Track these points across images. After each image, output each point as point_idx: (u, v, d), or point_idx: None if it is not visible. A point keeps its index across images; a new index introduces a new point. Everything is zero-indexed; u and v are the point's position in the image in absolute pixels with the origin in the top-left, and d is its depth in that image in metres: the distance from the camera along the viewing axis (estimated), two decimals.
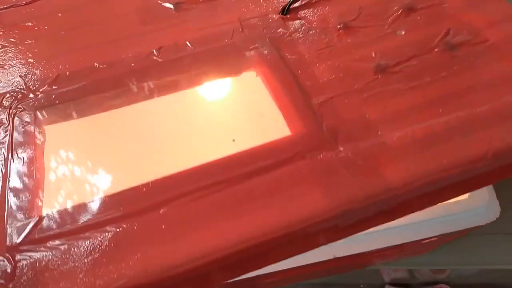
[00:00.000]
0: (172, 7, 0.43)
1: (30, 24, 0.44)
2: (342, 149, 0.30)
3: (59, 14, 0.45)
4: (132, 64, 0.38)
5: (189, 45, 0.39)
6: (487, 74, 0.33)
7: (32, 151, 0.33)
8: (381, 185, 0.28)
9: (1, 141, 0.33)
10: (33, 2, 0.47)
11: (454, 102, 0.32)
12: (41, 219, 0.28)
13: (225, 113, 0.35)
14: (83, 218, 0.28)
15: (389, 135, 0.30)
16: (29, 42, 0.42)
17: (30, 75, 0.39)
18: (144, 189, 0.29)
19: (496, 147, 0.29)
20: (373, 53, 0.36)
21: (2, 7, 0.47)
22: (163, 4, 0.44)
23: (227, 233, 0.26)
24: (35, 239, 0.28)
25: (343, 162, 0.29)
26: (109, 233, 0.27)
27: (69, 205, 0.29)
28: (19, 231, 0.28)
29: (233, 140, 0.32)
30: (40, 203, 0.30)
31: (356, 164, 0.29)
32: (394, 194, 0.27)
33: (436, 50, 0.36)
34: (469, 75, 0.33)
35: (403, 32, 0.38)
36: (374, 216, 0.28)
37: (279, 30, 0.39)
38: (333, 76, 0.35)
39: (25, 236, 0.28)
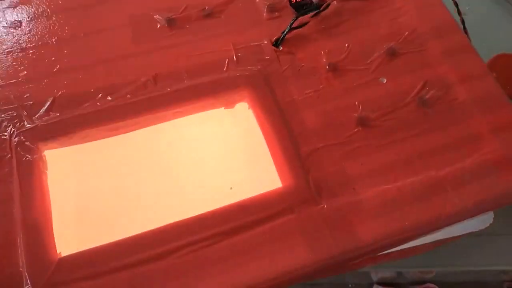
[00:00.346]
0: (165, 23, 0.43)
1: (13, 26, 0.43)
2: (325, 205, 0.35)
3: (43, 19, 0.43)
4: (128, 96, 0.39)
5: (185, 74, 0.41)
6: (452, 135, 0.38)
7: (38, 186, 0.35)
8: (353, 243, 0.34)
9: (7, 175, 0.35)
10: None
11: (421, 163, 0.37)
12: (59, 262, 0.32)
13: (223, 157, 0.38)
14: (98, 263, 0.32)
15: (363, 193, 0.36)
16: (16, 52, 0.41)
17: (24, 97, 0.39)
18: (145, 238, 0.33)
19: (448, 211, 0.35)
20: (356, 102, 0.40)
21: None
22: (155, 16, 0.43)
23: (223, 285, 0.32)
24: (56, 283, 0.31)
25: (325, 218, 0.34)
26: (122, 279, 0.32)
27: (82, 248, 0.33)
28: (40, 275, 0.32)
29: (231, 188, 0.36)
30: (54, 244, 0.33)
31: (335, 221, 0.34)
32: (363, 251, 0.34)
33: (411, 104, 0.40)
34: (437, 135, 0.38)
35: (384, 80, 0.41)
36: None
37: (272, 66, 0.41)
38: (320, 124, 0.39)
39: (46, 281, 0.31)
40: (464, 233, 0.44)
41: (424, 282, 0.55)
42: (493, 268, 0.50)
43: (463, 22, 0.49)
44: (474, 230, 0.45)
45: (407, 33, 0.43)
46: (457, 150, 0.38)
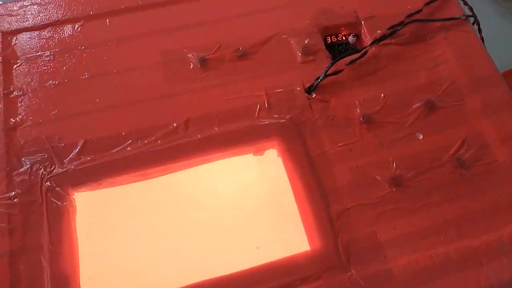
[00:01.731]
0: (198, 63, 0.42)
1: (46, 58, 0.43)
2: (354, 272, 0.34)
3: (76, 51, 0.43)
4: (159, 141, 0.38)
5: (216, 119, 0.40)
6: (489, 200, 0.37)
7: (67, 235, 0.35)
8: None
9: (37, 221, 0.35)
10: (46, 27, 0.44)
11: (455, 230, 0.36)
12: None
13: (251, 212, 0.37)
14: None
15: (394, 261, 0.35)
16: (48, 87, 0.41)
17: (55, 138, 0.39)
18: None
19: (482, 285, 0.34)
20: (390, 159, 0.39)
21: (12, 28, 0.44)
22: (188, 55, 0.43)
23: None
24: None
25: (354, 287, 0.34)
26: None
27: None
28: None
29: (257, 248, 0.35)
30: None
31: None
32: None
33: (448, 165, 0.38)
34: (473, 200, 0.37)
35: (421, 137, 0.40)
36: None
37: (304, 114, 0.40)
38: (352, 181, 0.38)
39: None
40: None
41: None
42: None
43: (482, 40, 0.47)
44: None
45: (446, 84, 0.41)
46: (494, 218, 0.36)
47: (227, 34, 0.44)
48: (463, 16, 0.45)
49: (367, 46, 0.42)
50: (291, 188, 0.38)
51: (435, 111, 0.41)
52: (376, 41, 0.43)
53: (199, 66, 0.42)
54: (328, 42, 0.46)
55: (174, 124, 0.39)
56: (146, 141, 0.39)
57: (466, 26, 0.45)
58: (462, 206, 0.37)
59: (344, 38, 0.46)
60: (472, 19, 0.46)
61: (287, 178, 0.38)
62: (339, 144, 0.39)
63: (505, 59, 0.83)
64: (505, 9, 0.86)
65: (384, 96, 0.41)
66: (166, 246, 0.36)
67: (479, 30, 0.47)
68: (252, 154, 0.41)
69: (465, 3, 0.47)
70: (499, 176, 0.38)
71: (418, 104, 0.41)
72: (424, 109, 0.41)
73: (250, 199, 0.38)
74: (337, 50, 0.45)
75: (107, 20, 0.44)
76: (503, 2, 0.86)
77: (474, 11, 0.47)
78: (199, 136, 0.39)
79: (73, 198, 0.37)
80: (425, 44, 0.44)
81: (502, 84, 0.42)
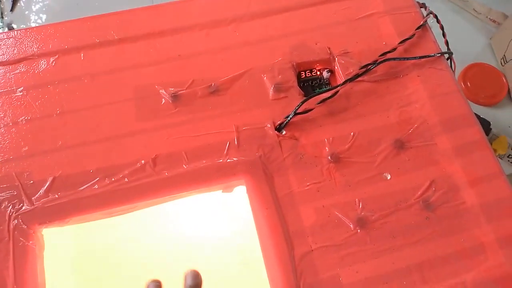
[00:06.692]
0: (170, 99, 0.43)
1: (20, 93, 0.43)
2: None
3: (49, 86, 0.43)
4: (126, 179, 0.39)
5: (185, 157, 0.40)
6: (454, 244, 0.37)
7: (31, 276, 0.36)
8: None
9: (3, 260, 0.36)
10: (21, 62, 0.45)
11: (419, 274, 0.36)
12: None
13: (212, 254, 0.37)
14: None
15: None
16: (20, 123, 0.41)
17: (25, 174, 0.39)
18: None
19: None
20: (357, 199, 0.38)
21: None
22: (161, 91, 0.43)
23: None
24: None
25: None
26: None
27: None
28: None
29: None
30: None
31: None
32: None
33: (414, 207, 0.38)
34: (438, 244, 0.37)
35: (388, 177, 0.40)
36: None
37: (273, 152, 0.40)
38: (317, 222, 0.38)
39: None
40: None
41: None
42: None
43: (447, 43, 0.48)
44: None
45: (417, 124, 0.41)
46: (458, 263, 0.36)
47: (201, 69, 0.44)
48: (438, 53, 0.45)
49: (338, 85, 0.42)
50: (256, 229, 0.38)
51: (404, 151, 0.41)
52: (348, 80, 0.43)
53: (170, 102, 0.43)
54: (302, 77, 0.46)
55: (142, 161, 0.40)
56: (113, 179, 0.39)
57: (440, 64, 0.45)
58: (426, 250, 0.37)
59: (318, 73, 0.46)
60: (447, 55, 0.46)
61: (253, 218, 0.38)
62: (307, 184, 0.39)
63: (465, 54, 0.86)
64: (457, 6, 0.90)
65: (353, 134, 0.41)
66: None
67: (443, 34, 0.48)
68: (221, 191, 0.41)
69: (427, 10, 0.48)
70: (465, 219, 0.38)
71: (387, 144, 0.41)
72: (393, 149, 0.41)
73: (212, 238, 0.38)
74: (310, 85, 0.46)
75: (82, 54, 0.44)
76: None
77: (447, 46, 0.47)
78: (166, 173, 0.39)
79: (42, 235, 0.38)
80: (398, 82, 0.44)
81: (475, 124, 0.42)
